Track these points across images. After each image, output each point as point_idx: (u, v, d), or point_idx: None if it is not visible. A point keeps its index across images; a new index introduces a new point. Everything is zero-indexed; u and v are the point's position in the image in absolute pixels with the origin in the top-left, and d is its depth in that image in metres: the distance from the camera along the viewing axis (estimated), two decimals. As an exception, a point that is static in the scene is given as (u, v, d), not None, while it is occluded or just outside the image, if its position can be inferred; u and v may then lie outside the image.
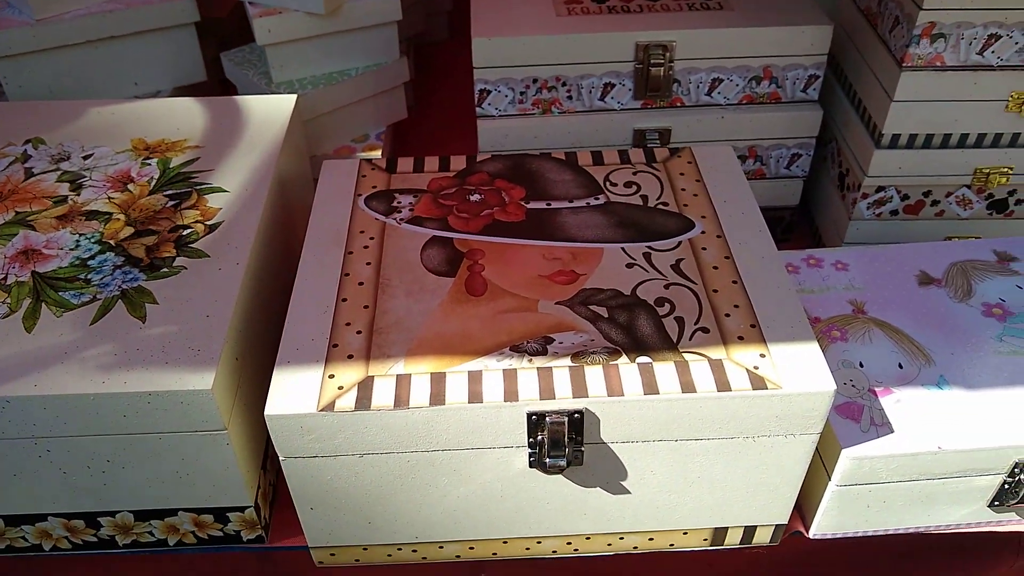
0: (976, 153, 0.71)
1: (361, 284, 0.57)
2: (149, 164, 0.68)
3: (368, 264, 0.58)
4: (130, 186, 0.66)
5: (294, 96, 0.76)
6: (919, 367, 0.58)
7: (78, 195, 0.65)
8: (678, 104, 0.76)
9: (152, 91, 0.92)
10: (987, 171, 0.72)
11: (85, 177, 0.67)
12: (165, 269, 0.58)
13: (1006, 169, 0.72)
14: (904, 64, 0.67)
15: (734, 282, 0.56)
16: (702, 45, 0.73)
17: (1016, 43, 0.65)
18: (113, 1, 0.87)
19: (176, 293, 0.56)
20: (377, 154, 0.86)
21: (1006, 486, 0.55)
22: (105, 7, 0.85)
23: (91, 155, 0.69)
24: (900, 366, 0.59)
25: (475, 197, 0.64)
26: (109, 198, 0.64)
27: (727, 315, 0.54)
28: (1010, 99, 0.68)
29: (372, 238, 0.60)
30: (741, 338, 0.52)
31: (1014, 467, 0.54)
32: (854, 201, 0.75)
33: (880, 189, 0.73)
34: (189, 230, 0.61)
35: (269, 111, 0.74)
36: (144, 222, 0.62)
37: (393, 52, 0.87)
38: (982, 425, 0.54)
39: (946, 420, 0.54)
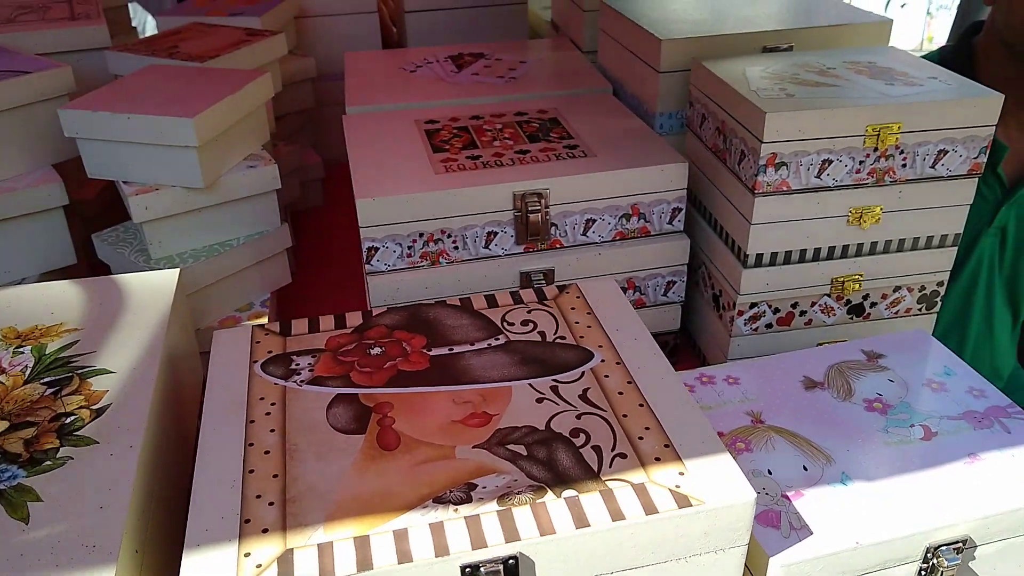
0: (830, 264, 0.78)
1: (267, 453, 0.54)
2: (22, 352, 0.64)
3: (272, 431, 0.56)
4: (2, 377, 0.61)
5: (176, 271, 0.74)
6: (822, 467, 0.61)
7: (-58, 394, 0.60)
8: (558, 245, 0.80)
9: (18, 279, 0.88)
10: (842, 279, 0.79)
11: (-51, 374, 0.62)
12: (48, 462, 0.53)
13: (857, 276, 0.79)
14: (756, 191, 0.73)
15: (640, 405, 0.58)
16: (574, 190, 0.78)
17: (845, 166, 0.74)
18: (-25, 191, 0.84)
19: (63, 487, 0.51)
20: (261, 320, 0.85)
21: (922, 572, 0.57)
22: (-33, 197, 0.82)
23: (-45, 350, 0.65)
24: (805, 468, 0.61)
25: (376, 350, 0.64)
26: (-23, 394, 0.60)
27: (640, 438, 0.55)
28: (849, 213, 0.76)
29: (273, 404, 0.59)
30: (658, 459, 0.53)
31: (926, 553, 0.56)
32: (731, 319, 0.80)
33: (753, 305, 0.79)
34: (72, 417, 0.57)
35: (151, 287, 0.72)
36: (20, 414, 0.58)
37: (274, 220, 0.87)
38: (891, 515, 0.56)
39: (858, 515, 0.57)
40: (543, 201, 0.77)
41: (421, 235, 0.77)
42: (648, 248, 0.81)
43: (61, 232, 0.90)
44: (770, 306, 0.80)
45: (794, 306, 0.80)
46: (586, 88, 1.00)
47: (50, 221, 0.88)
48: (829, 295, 0.80)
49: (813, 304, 0.80)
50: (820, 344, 0.83)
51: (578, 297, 0.70)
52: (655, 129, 0.91)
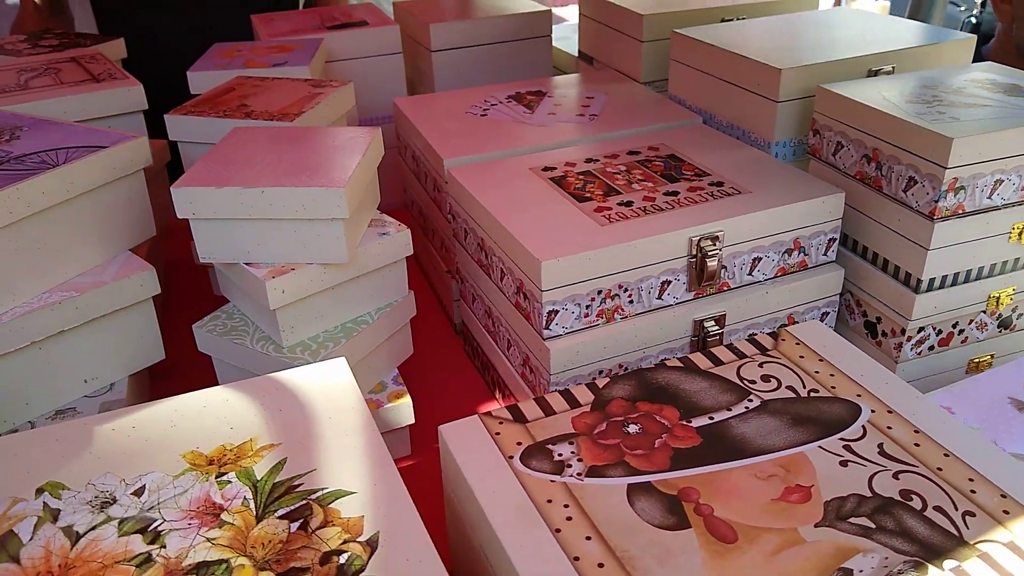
0: (990, 281, 0.79)
1: (602, 566, 0.48)
2: (228, 482, 0.54)
3: (588, 539, 0.50)
4: (225, 516, 0.52)
5: (342, 359, 0.66)
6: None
7: (164, 547, 0.49)
8: (725, 288, 0.77)
9: (105, 385, 0.76)
10: (998, 295, 0.80)
11: (157, 520, 0.51)
12: (362, 616, 0.45)
13: (1011, 290, 0.80)
14: (935, 217, 0.73)
15: (946, 455, 0.55)
16: (745, 229, 0.75)
17: (1013, 184, 0.75)
18: (60, 289, 0.72)
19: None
20: (406, 400, 0.76)
21: None
22: (51, 299, 0.70)
23: (142, 488, 0.54)
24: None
25: (633, 428, 0.58)
26: (209, 540, 0.50)
27: (972, 491, 0.52)
28: (1012, 230, 0.77)
29: (567, 505, 0.52)
30: (1006, 512, 0.51)
31: None
32: (898, 346, 0.79)
33: (920, 329, 0.78)
34: (345, 556, 0.49)
35: (326, 382, 0.63)
36: (281, 561, 0.48)
37: (402, 288, 0.79)
38: None
39: None
40: (719, 244, 0.74)
41: (599, 292, 0.71)
42: (808, 282, 0.79)
43: (151, 326, 0.78)
44: (934, 328, 0.79)
45: (954, 326, 0.80)
46: (677, 121, 0.98)
47: (140, 314, 0.77)
48: (984, 311, 0.81)
49: (970, 322, 0.81)
50: (972, 361, 0.83)
51: (798, 344, 0.67)
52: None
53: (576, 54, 1.31)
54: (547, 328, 0.71)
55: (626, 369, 0.75)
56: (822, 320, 0.83)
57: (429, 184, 0.97)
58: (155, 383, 0.87)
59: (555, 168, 0.85)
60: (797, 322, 0.81)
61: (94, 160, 0.73)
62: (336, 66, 1.16)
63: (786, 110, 0.88)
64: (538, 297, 0.70)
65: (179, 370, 0.85)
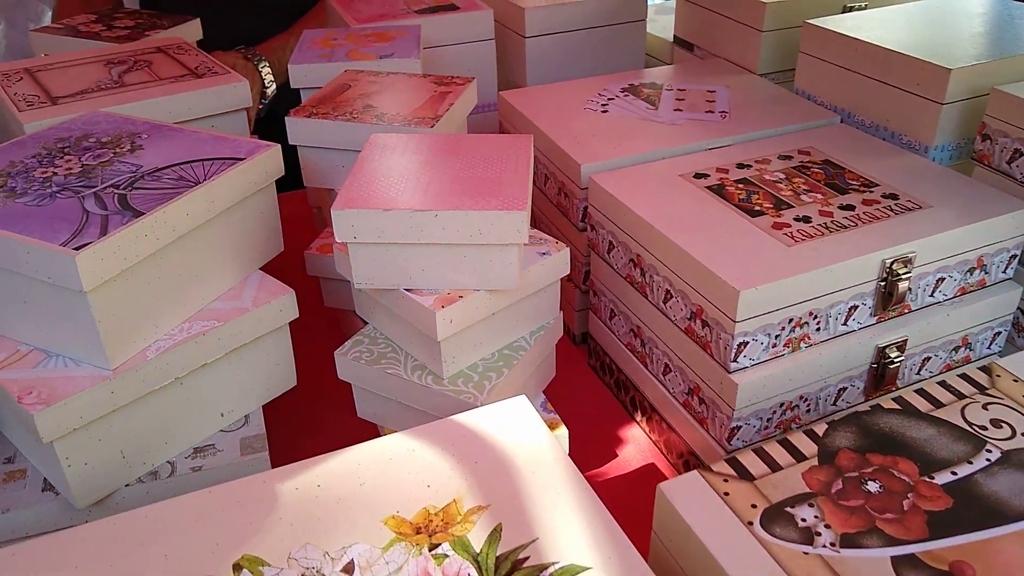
0: None
1: (898, 659, 0.43)
2: (446, 555, 0.49)
3: (870, 624, 0.45)
4: (456, 598, 0.46)
5: (522, 396, 0.60)
6: None
7: (402, 638, 0.44)
8: (907, 311, 0.72)
9: (239, 417, 0.70)
10: None
11: (382, 603, 0.46)
12: None
13: None
14: None
15: None
16: (936, 249, 0.69)
17: None
18: (200, 318, 0.66)
19: None
20: (562, 432, 0.71)
21: None
22: (192, 330, 0.64)
23: (351, 564, 0.49)
24: None
25: (874, 486, 0.53)
26: (449, 628, 0.45)
27: None
28: None
29: (831, 583, 0.47)
30: None
31: None
32: (1080, 369, 0.74)
33: (1107, 353, 0.74)
34: (608, 647, 0.44)
35: (510, 424, 0.58)
36: (539, 654, 0.43)
37: (554, 309, 0.74)
38: None
39: None
40: (911, 266, 0.68)
41: (791, 321, 0.66)
42: (987, 301, 0.74)
43: (285, 352, 0.73)
44: (1119, 351, 0.75)
45: None
46: (814, 121, 0.92)
47: (276, 341, 0.71)
48: None
49: None
50: None
51: (1016, 380, 0.62)
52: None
53: (671, 40, 1.24)
54: (734, 360, 0.66)
55: (806, 400, 0.70)
56: (992, 341, 0.78)
57: (551, 188, 0.91)
58: (267, 410, 0.81)
59: (707, 175, 0.79)
60: (970, 344, 0.77)
61: (234, 175, 0.66)
62: (425, 53, 1.09)
63: (950, 112, 0.82)
64: (728, 328, 0.64)
65: (293, 393, 0.79)
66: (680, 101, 0.97)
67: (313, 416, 0.82)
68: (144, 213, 0.60)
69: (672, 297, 0.71)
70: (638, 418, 0.82)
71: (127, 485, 0.64)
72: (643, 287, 0.75)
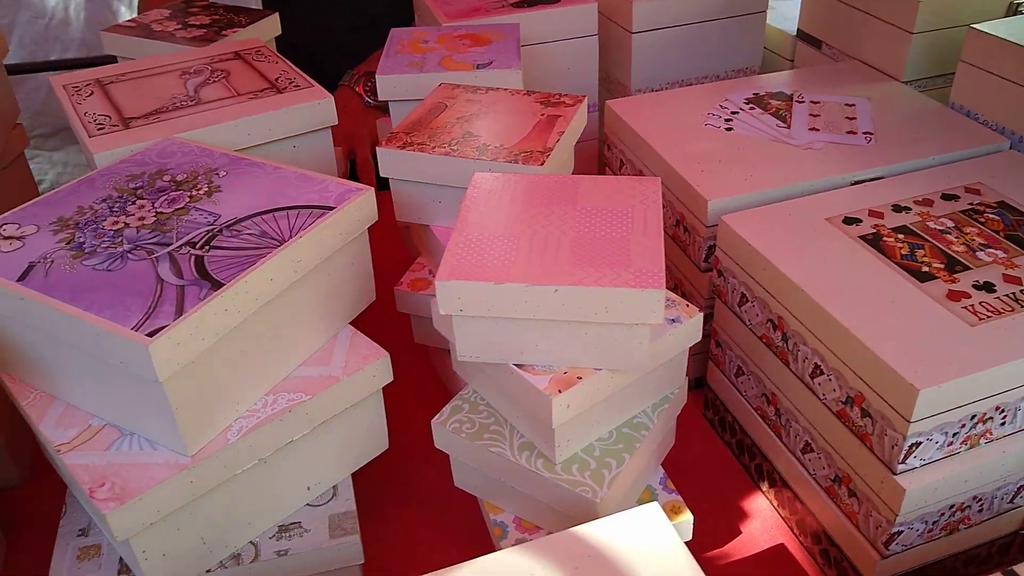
0: None
1: None
2: None
3: None
4: None
5: (654, 505, 0.52)
6: None
7: None
8: (1104, 396, 0.60)
9: (327, 489, 0.64)
10: None
11: None
12: None
13: None
14: None
15: None
16: None
17: None
18: (285, 390, 0.58)
19: None
20: (687, 518, 0.62)
21: None
22: (277, 405, 0.57)
23: None
24: None
25: (1101, 661, 0.43)
26: None
27: None
28: None
29: None
30: None
31: None
32: None
33: None
34: None
35: (643, 539, 0.49)
36: None
37: (679, 378, 0.64)
38: None
39: None
40: (1121, 352, 0.57)
41: (972, 417, 0.56)
42: None
43: (378, 417, 0.66)
44: None
45: None
46: (980, 146, 0.79)
47: (369, 406, 0.64)
48: None
49: None
50: None
51: None
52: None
53: (794, 33, 1.10)
54: (903, 462, 0.55)
55: (980, 500, 0.59)
56: None
57: (668, 217, 0.81)
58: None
59: (859, 220, 0.68)
60: None
61: (323, 229, 0.58)
62: (528, 51, 0.98)
63: None
64: (898, 427, 0.54)
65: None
66: (815, 118, 0.85)
67: (403, 477, 0.74)
68: (223, 284, 0.52)
69: (822, 374, 0.61)
70: (764, 487, 0.73)
71: (208, 571, 0.58)
72: (783, 353, 0.65)
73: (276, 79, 0.81)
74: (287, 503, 0.61)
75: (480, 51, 0.87)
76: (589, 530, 0.51)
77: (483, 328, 0.56)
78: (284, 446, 0.58)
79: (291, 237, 0.57)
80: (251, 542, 0.60)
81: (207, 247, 0.56)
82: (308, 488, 0.62)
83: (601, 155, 1.00)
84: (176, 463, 0.53)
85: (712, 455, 0.77)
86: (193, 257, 0.55)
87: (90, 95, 0.79)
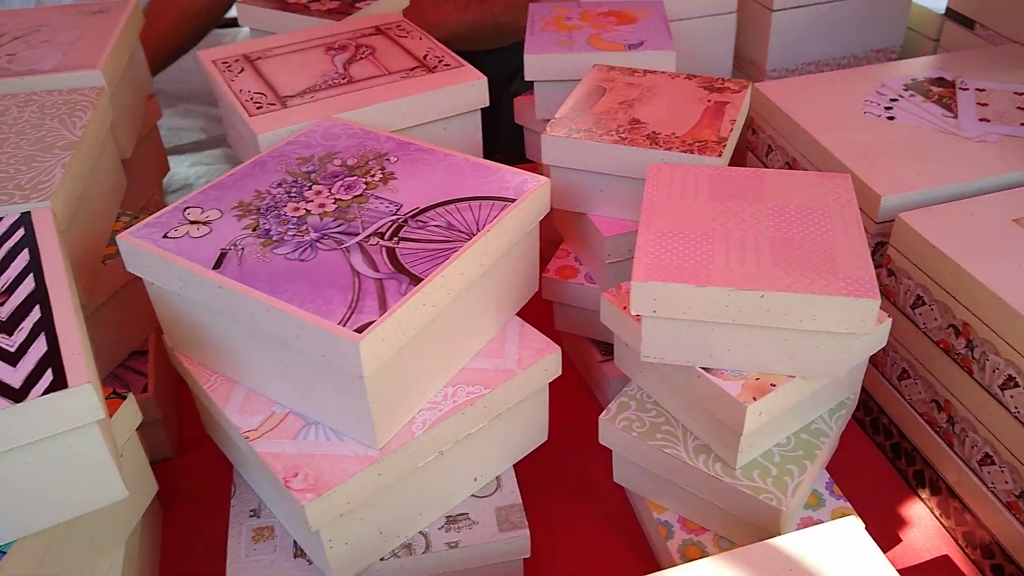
0: None
1: None
2: None
3: None
4: None
5: (853, 519, 0.50)
6: None
7: None
8: None
9: (490, 480, 0.64)
10: None
11: None
12: None
13: None
14: None
15: None
16: None
17: None
18: (463, 380, 0.58)
19: None
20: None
21: None
22: (457, 398, 0.57)
23: None
24: None
25: None
26: None
27: None
28: None
29: None
30: None
31: None
32: None
33: None
34: None
35: (842, 555, 0.47)
36: None
37: (857, 384, 0.62)
38: None
39: None
40: None
41: None
42: None
43: (543, 410, 0.65)
44: None
45: None
46: None
47: (536, 400, 0.63)
48: None
49: None
50: None
51: None
52: None
53: (941, 12, 1.05)
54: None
55: None
56: None
57: (823, 209, 0.77)
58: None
59: (1050, 223, 0.65)
60: None
61: (507, 221, 0.57)
62: (660, 29, 0.95)
63: None
64: None
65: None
66: (983, 107, 0.81)
67: (561, 467, 0.73)
68: (420, 278, 0.51)
69: (1017, 386, 0.58)
70: (923, 495, 0.70)
71: (381, 560, 0.59)
72: (966, 361, 0.62)
73: (424, 57, 0.79)
74: (455, 495, 0.61)
75: (628, 30, 0.84)
76: (788, 543, 0.49)
77: (674, 330, 0.54)
78: (462, 439, 0.58)
79: (479, 230, 0.55)
80: (421, 532, 0.60)
81: (396, 238, 0.55)
82: (475, 479, 0.62)
83: (743, 139, 0.96)
84: (365, 455, 0.53)
85: (863, 458, 0.75)
86: (384, 248, 0.54)
87: (241, 71, 0.78)
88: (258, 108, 0.72)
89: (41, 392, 0.45)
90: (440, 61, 0.78)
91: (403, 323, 0.50)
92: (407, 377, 0.53)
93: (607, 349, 0.77)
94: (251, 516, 0.62)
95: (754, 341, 0.54)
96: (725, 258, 0.53)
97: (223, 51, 0.82)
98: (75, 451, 0.48)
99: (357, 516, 0.55)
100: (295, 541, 0.60)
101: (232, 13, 1.39)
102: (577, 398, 0.80)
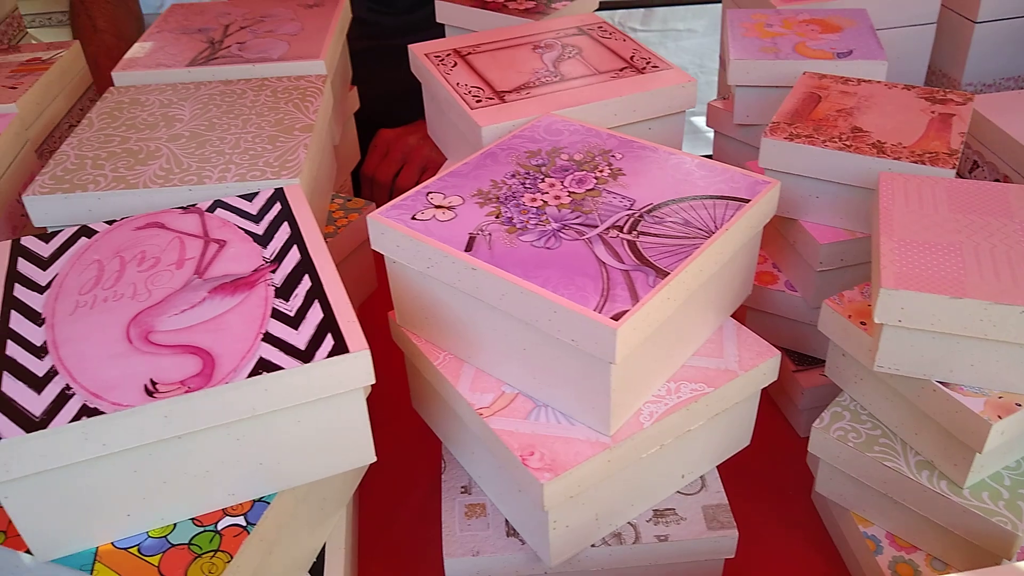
0: None
1: None
2: None
3: None
4: None
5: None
6: None
7: None
8: None
9: (695, 479, 0.64)
10: None
11: None
12: None
13: None
14: None
15: None
16: None
17: None
18: (684, 376, 0.59)
19: None
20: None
21: None
22: (681, 395, 0.58)
23: None
24: None
25: None
26: None
27: None
28: None
29: None
30: None
31: None
32: None
33: None
34: None
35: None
36: None
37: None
38: None
39: None
40: None
41: None
42: None
43: (751, 414, 0.65)
44: None
45: None
46: None
47: (749, 403, 0.64)
48: None
49: None
50: None
51: None
52: None
53: None
54: None
55: None
56: None
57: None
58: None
59: None
60: None
61: (743, 222, 0.58)
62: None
63: None
64: None
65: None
66: None
67: (748, 472, 0.73)
68: (666, 272, 0.53)
69: None
70: None
71: (592, 546, 0.60)
72: None
73: (631, 58, 0.80)
74: (662, 489, 0.62)
75: (835, 38, 0.83)
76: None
77: (915, 341, 0.54)
78: (682, 434, 0.59)
79: (717, 228, 0.56)
80: (630, 523, 0.61)
81: (634, 232, 0.56)
82: (682, 476, 0.63)
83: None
84: (597, 441, 0.55)
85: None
86: (625, 241, 0.55)
87: (454, 65, 0.81)
88: (477, 102, 0.74)
89: (326, 355, 0.48)
90: (648, 63, 0.79)
91: (652, 314, 0.51)
92: (642, 368, 0.55)
93: (800, 359, 0.77)
94: (462, 492, 0.64)
95: (1002, 358, 0.52)
96: (978, 271, 0.52)
97: (433, 45, 0.85)
98: (341, 413, 0.51)
99: (580, 500, 0.56)
100: (506, 520, 0.62)
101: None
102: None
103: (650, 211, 0.58)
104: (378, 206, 0.61)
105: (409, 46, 0.86)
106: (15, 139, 0.75)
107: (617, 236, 0.56)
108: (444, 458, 0.67)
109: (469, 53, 0.83)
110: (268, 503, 0.52)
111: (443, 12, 0.98)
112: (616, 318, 0.49)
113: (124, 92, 0.79)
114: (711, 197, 0.59)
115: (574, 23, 0.89)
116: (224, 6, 0.97)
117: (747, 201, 0.59)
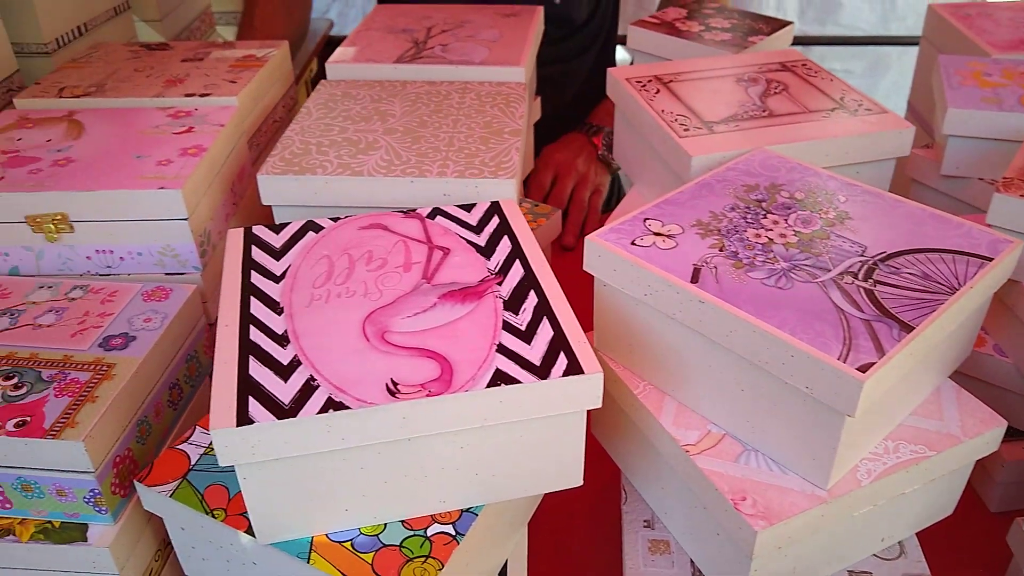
0: None
1: None
2: None
3: None
4: None
5: None
6: None
7: None
8: None
9: (893, 544, 0.60)
10: None
11: None
12: None
13: None
14: None
15: None
16: None
17: None
18: (902, 436, 0.55)
19: None
20: None
21: None
22: (900, 454, 0.54)
23: None
24: None
25: None
26: None
27: None
28: None
29: None
30: None
31: None
32: None
33: None
34: None
35: None
36: None
37: None
38: None
39: None
40: None
41: None
42: None
43: (962, 481, 0.61)
44: None
45: None
46: None
47: (965, 470, 0.60)
48: None
49: None
50: None
51: None
52: None
53: None
54: None
55: None
56: None
57: None
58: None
59: None
60: None
61: (986, 280, 0.55)
62: None
63: None
64: None
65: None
66: None
67: (951, 548, 0.69)
68: (911, 325, 0.50)
69: None
70: None
71: (784, 600, 0.58)
72: None
73: (841, 98, 0.78)
74: (862, 550, 0.59)
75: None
76: None
77: None
78: (895, 496, 0.56)
79: (960, 285, 0.53)
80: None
81: (870, 280, 0.54)
82: (882, 539, 0.60)
83: None
84: (812, 493, 0.52)
85: None
86: (862, 289, 0.53)
87: (657, 92, 0.81)
88: (685, 130, 0.74)
89: (561, 373, 0.48)
90: (860, 105, 0.77)
91: (895, 369, 0.49)
92: (869, 423, 0.52)
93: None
94: (645, 526, 0.63)
95: None
96: None
97: (633, 71, 0.85)
98: (562, 433, 0.51)
99: (785, 552, 0.54)
100: (691, 560, 0.60)
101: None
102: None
103: (884, 259, 0.56)
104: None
105: (609, 70, 0.86)
106: (235, 131, 0.78)
107: (852, 283, 0.54)
108: (624, 488, 0.66)
109: (671, 81, 0.83)
110: (475, 514, 0.52)
111: (635, 38, 0.98)
112: (863, 369, 0.47)
113: (336, 85, 0.82)
114: (950, 251, 0.56)
115: (777, 59, 0.87)
116: (425, 9, 0.99)
117: (989, 260, 0.56)
